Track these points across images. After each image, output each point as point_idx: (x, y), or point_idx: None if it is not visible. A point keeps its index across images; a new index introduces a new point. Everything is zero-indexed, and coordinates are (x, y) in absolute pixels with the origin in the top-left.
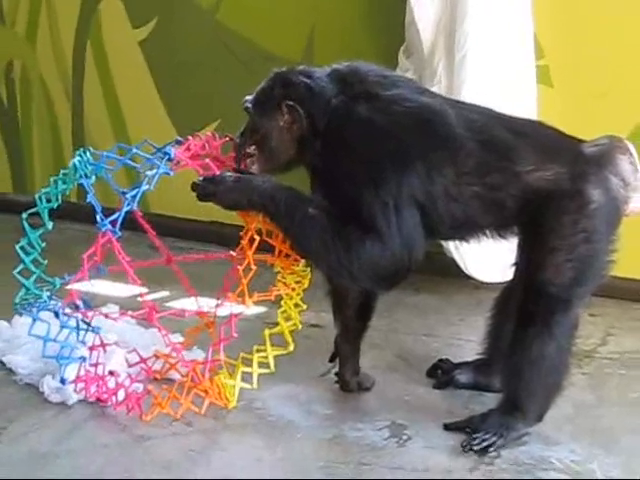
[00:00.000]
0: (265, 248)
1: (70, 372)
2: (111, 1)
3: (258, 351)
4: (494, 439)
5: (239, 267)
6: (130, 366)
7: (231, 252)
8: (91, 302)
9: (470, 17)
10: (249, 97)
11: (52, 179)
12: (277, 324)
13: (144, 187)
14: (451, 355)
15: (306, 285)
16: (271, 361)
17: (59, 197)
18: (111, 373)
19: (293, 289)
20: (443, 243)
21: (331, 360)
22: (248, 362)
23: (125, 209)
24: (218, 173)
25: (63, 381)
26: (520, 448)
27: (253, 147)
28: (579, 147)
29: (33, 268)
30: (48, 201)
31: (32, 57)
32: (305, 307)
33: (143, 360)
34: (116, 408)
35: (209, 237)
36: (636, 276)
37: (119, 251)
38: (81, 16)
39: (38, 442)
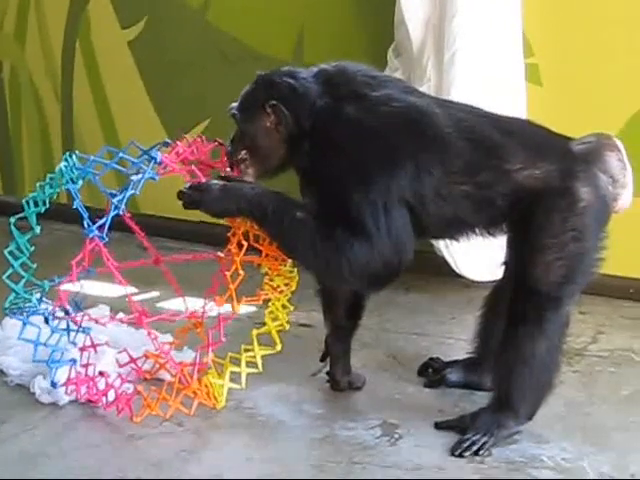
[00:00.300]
0: (253, 249)
1: (61, 375)
2: (100, 1)
3: (246, 351)
4: (484, 440)
5: (227, 273)
6: (120, 366)
7: (218, 253)
8: (81, 303)
9: (459, 16)
10: (234, 104)
11: (38, 184)
12: (265, 324)
13: (130, 192)
14: (442, 354)
15: (294, 287)
16: (259, 361)
17: (46, 201)
18: (101, 374)
19: (281, 292)
20: (433, 242)
21: (322, 359)
22: (236, 362)
23: (111, 214)
24: (204, 181)
25: (54, 384)
26: (511, 446)
27: (244, 152)
28: (568, 145)
29: (22, 272)
30: (36, 205)
31: (21, 57)
32: (292, 308)
33: (133, 360)
34: (106, 409)
35: (198, 237)
36: (626, 274)
37: (107, 257)
38: (70, 16)
39: (29, 443)
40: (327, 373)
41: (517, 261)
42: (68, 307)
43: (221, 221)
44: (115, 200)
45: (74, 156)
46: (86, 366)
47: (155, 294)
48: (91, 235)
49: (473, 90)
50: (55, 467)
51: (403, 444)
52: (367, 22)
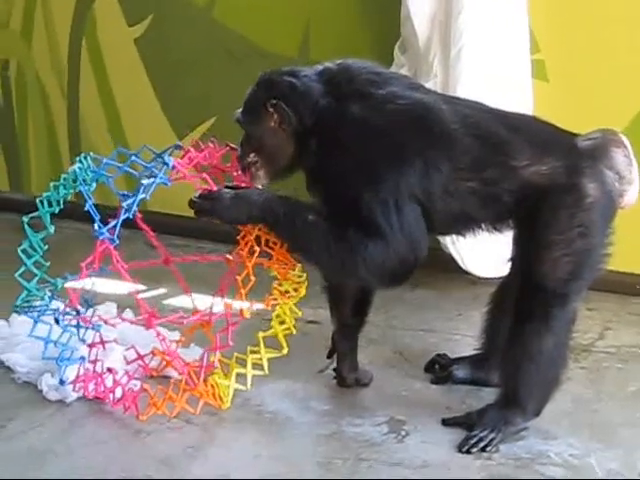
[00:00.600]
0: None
1: (70, 373)
2: None
3: (252, 352)
4: (492, 436)
5: (238, 277)
6: (128, 363)
7: (227, 255)
8: (92, 301)
9: (465, 12)
10: (238, 110)
11: (52, 184)
12: (272, 326)
13: (141, 196)
14: (449, 350)
15: (303, 293)
16: (265, 363)
17: (60, 202)
18: (109, 370)
19: (290, 297)
20: (440, 239)
21: (329, 356)
22: (243, 362)
23: (122, 217)
24: (215, 189)
25: (63, 382)
26: (518, 443)
27: (253, 155)
28: (574, 141)
29: (35, 270)
30: (50, 205)
31: (27, 55)
32: (300, 314)
33: (140, 357)
34: (113, 406)
35: (205, 234)
36: (634, 270)
37: (117, 259)
38: (76, 14)
39: (37, 440)
40: (334, 370)
41: (523, 258)
42: (79, 307)
43: None
44: (125, 204)
45: (88, 158)
46: (94, 362)
47: (162, 291)
48: (102, 237)
49: (479, 86)
50: (62, 464)
51: (410, 441)
52: (373, 18)
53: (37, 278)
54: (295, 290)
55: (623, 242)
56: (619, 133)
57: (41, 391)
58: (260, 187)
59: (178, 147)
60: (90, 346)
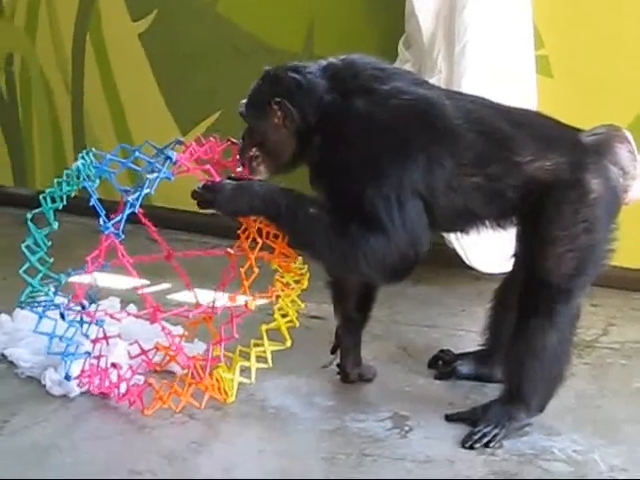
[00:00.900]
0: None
1: (74, 368)
2: None
3: (256, 345)
4: (495, 432)
5: (241, 269)
6: (131, 358)
7: (228, 249)
8: (96, 296)
9: (469, 7)
10: (243, 101)
11: (56, 181)
12: (275, 319)
13: (145, 190)
14: (452, 346)
15: (305, 285)
16: (269, 356)
17: (64, 198)
18: (114, 365)
19: (292, 289)
20: (444, 234)
21: (332, 352)
22: (246, 356)
23: (127, 212)
24: (218, 180)
25: (68, 377)
26: (522, 438)
27: (255, 149)
28: (577, 137)
29: (40, 267)
30: (53, 201)
31: (32, 50)
32: (303, 305)
33: (144, 352)
34: (119, 401)
35: (207, 229)
36: (638, 266)
37: (122, 253)
38: (80, 9)
39: (40, 435)
40: (338, 365)
41: (527, 253)
42: (84, 302)
43: None
44: (130, 198)
45: (91, 154)
46: (98, 358)
47: (166, 286)
48: (107, 232)
49: (484, 82)
50: (66, 459)
51: (413, 436)
52: (378, 14)
53: (41, 274)
54: (297, 282)
55: (627, 238)
56: (623, 129)
57: (45, 386)
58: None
59: (179, 142)
60: (94, 342)
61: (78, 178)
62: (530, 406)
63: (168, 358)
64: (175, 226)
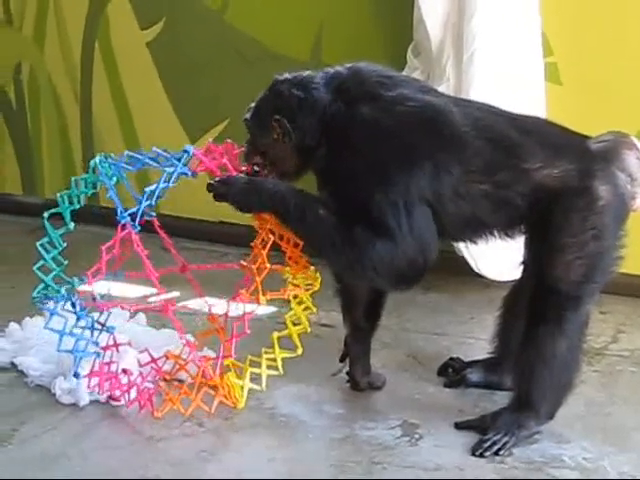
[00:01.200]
0: (276, 258)
1: (84, 366)
2: (119, 2)
3: (267, 353)
4: (505, 440)
5: (253, 266)
6: (141, 366)
7: (242, 262)
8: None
9: (478, 15)
10: (250, 107)
11: (73, 179)
12: (287, 327)
13: (162, 184)
14: (462, 354)
15: (317, 288)
16: (279, 364)
17: (80, 199)
18: (124, 371)
19: (306, 290)
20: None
21: (342, 360)
22: (257, 364)
23: (144, 204)
24: (234, 174)
25: (77, 375)
26: (532, 446)
27: (258, 157)
28: (585, 143)
29: (54, 265)
30: (70, 202)
31: (40, 59)
32: (315, 310)
33: (154, 360)
34: (128, 406)
35: (217, 237)
36: None
37: (137, 243)
38: (89, 17)
39: (50, 444)
40: (347, 373)
41: (536, 261)
42: (96, 295)
43: (238, 221)
44: (147, 189)
45: (108, 157)
46: (109, 364)
47: (176, 294)
48: (123, 221)
49: (492, 89)
50: (75, 468)
51: (423, 444)
52: (386, 22)
53: (54, 273)
54: (309, 285)
55: (636, 245)
56: (630, 135)
57: (54, 395)
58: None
59: (186, 152)
60: (104, 349)
61: (94, 172)
62: (539, 414)
63: (178, 367)
64: (183, 234)
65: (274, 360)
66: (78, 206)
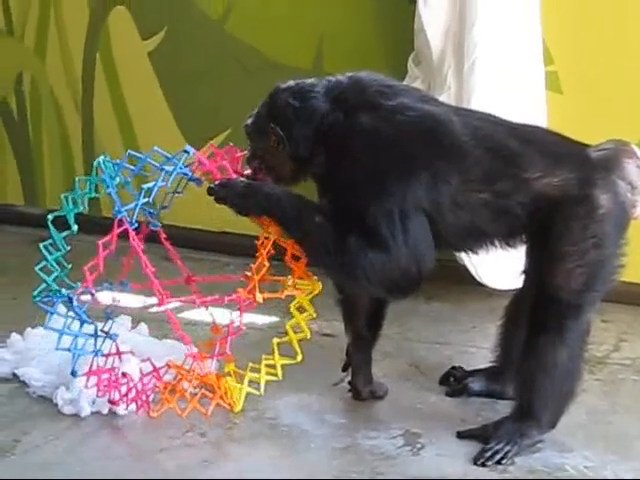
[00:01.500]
0: (277, 268)
1: (82, 365)
2: (120, 12)
3: (267, 359)
4: (507, 449)
5: (256, 277)
6: (143, 376)
7: (246, 273)
8: (112, 314)
9: (479, 24)
10: (251, 116)
11: (77, 179)
12: (287, 334)
13: (161, 183)
14: (464, 363)
15: (317, 291)
16: (279, 369)
17: (84, 202)
18: (124, 375)
19: (309, 293)
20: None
21: (344, 369)
22: (257, 371)
23: (141, 201)
24: (233, 178)
25: (74, 373)
26: (534, 455)
27: (258, 162)
28: (585, 152)
29: (56, 266)
30: (73, 203)
31: (41, 69)
32: (315, 315)
33: (156, 370)
34: (126, 406)
35: (219, 247)
36: None
37: (134, 238)
38: (90, 28)
39: (51, 453)
40: (349, 383)
41: (537, 269)
42: (93, 290)
43: (240, 231)
44: (145, 186)
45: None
46: (110, 371)
47: (177, 304)
48: (119, 216)
49: (493, 98)
50: (77, 478)
51: (425, 453)
52: (387, 31)
53: (55, 275)
54: (310, 291)
55: (637, 253)
56: (631, 144)
57: (56, 405)
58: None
59: (187, 152)
60: (106, 356)
61: (97, 174)
62: (541, 422)
63: (179, 377)
64: (185, 244)
65: (274, 367)
66: (81, 208)
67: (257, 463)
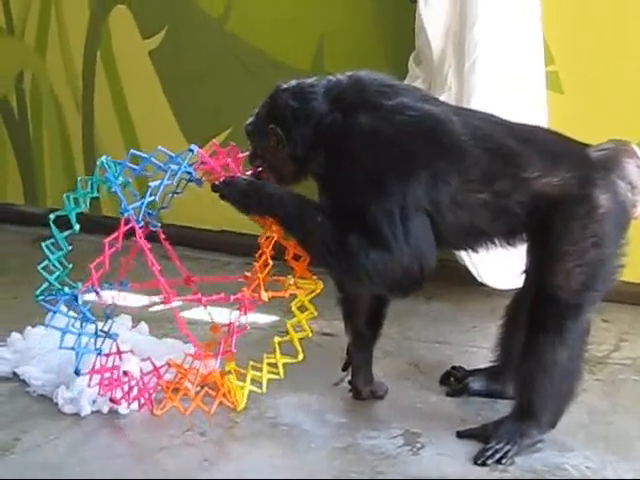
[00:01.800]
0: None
1: (85, 364)
2: (121, 11)
3: (268, 358)
4: (507, 448)
5: (255, 263)
6: (144, 375)
7: (246, 273)
8: (112, 314)
9: (479, 23)
10: (252, 116)
11: (79, 179)
12: (288, 333)
13: (166, 182)
14: (464, 362)
15: (318, 290)
16: (280, 368)
17: (87, 201)
18: (125, 373)
19: (311, 292)
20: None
21: (344, 369)
22: (259, 370)
23: (147, 200)
24: (237, 176)
25: (77, 372)
26: (534, 455)
27: (259, 161)
28: (585, 152)
29: (58, 265)
30: (75, 203)
31: (42, 68)
32: (316, 313)
33: (156, 369)
34: (129, 405)
35: (219, 246)
36: None
37: (140, 236)
38: (90, 26)
39: (52, 453)
40: (349, 382)
41: (537, 269)
42: (98, 289)
43: (240, 230)
44: (152, 184)
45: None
46: (111, 370)
47: (177, 303)
48: (126, 214)
49: (494, 98)
50: (77, 477)
51: (425, 453)
52: (387, 30)
53: (57, 274)
54: (310, 288)
55: (636, 253)
56: (631, 144)
57: (56, 404)
58: None
59: (191, 151)
60: (107, 355)
61: (100, 173)
62: (541, 422)
63: (180, 376)
64: (184, 243)
65: (275, 366)
66: (83, 207)
67: (257, 462)
